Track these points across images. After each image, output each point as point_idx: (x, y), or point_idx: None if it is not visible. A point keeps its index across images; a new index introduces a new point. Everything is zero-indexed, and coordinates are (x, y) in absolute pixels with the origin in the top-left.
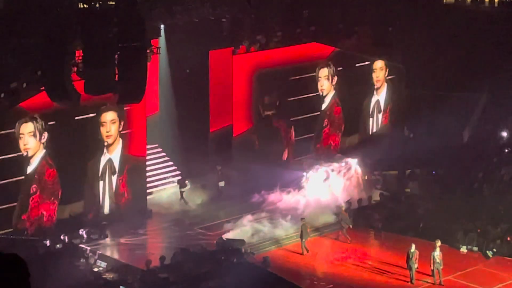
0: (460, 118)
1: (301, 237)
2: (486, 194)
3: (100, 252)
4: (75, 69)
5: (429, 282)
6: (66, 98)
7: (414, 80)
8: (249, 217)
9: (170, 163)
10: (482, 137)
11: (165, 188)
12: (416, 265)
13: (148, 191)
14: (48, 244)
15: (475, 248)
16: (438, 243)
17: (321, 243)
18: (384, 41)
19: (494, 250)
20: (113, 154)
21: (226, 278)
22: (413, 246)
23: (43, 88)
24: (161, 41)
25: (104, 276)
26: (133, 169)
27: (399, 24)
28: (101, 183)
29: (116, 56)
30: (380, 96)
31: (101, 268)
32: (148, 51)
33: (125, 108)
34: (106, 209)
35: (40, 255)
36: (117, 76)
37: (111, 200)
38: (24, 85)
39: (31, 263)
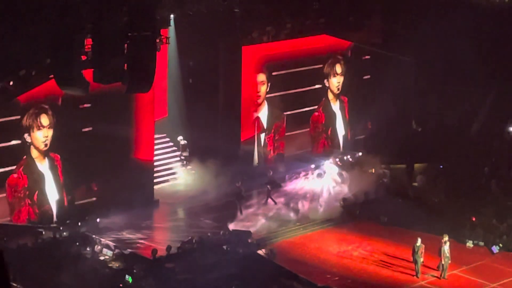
0: (469, 112)
1: (238, 198)
2: (493, 189)
3: (106, 241)
4: (84, 57)
5: (435, 276)
6: (75, 86)
7: (423, 74)
8: (255, 208)
9: (178, 152)
10: (490, 132)
11: (173, 178)
12: (422, 259)
13: (155, 181)
14: (55, 232)
15: (481, 243)
16: (446, 237)
17: (327, 235)
18: (394, 34)
19: (500, 245)
20: None
21: (232, 269)
22: (419, 240)
23: (52, 76)
24: (171, 31)
25: (110, 265)
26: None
27: (409, 17)
28: None
29: (126, 45)
30: None
31: (107, 257)
32: (157, 40)
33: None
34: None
35: (47, 242)
36: (126, 65)
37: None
38: (33, 72)
39: (37, 250)
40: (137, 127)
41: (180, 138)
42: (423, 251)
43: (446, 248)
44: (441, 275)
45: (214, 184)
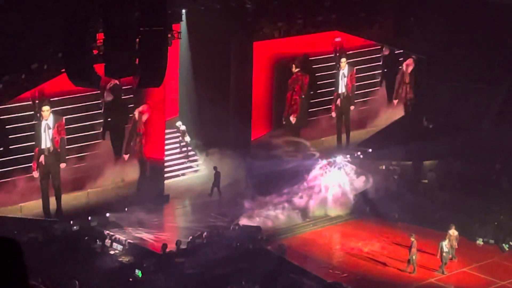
0: (480, 110)
1: (215, 183)
2: (504, 186)
3: (116, 235)
4: (96, 51)
5: (446, 274)
6: (87, 80)
7: (435, 71)
8: (266, 204)
9: (189, 148)
10: (501, 129)
11: (183, 172)
12: (414, 256)
13: (166, 175)
14: (65, 226)
15: (491, 241)
16: (451, 230)
17: (336, 232)
18: (406, 31)
19: (510, 243)
20: None
21: (242, 264)
22: (413, 236)
23: (63, 70)
24: (182, 25)
25: (120, 259)
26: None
27: (422, 15)
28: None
29: (137, 39)
30: None
31: (117, 251)
32: (169, 35)
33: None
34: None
35: (57, 236)
36: (137, 59)
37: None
38: (45, 66)
39: (47, 244)
40: (148, 126)
41: (179, 123)
42: (415, 247)
43: (444, 243)
44: (440, 269)
45: (224, 180)
